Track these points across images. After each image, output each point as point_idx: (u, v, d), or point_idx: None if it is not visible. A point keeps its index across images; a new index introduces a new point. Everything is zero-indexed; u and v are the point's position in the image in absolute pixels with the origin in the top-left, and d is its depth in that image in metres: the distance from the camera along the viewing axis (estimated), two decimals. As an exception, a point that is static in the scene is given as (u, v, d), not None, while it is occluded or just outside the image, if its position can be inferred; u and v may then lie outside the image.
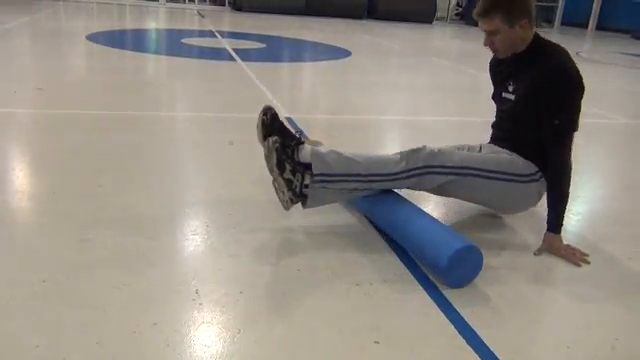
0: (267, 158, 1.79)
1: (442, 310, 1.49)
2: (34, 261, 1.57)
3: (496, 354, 1.32)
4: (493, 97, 2.16)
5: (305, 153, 1.83)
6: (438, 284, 1.61)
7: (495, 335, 1.40)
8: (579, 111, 1.85)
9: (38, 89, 3.69)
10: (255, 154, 2.69)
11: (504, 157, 1.96)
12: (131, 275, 1.53)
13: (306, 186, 1.80)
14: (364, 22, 12.33)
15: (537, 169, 1.94)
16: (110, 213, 1.91)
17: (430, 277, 1.64)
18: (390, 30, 10.95)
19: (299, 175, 1.79)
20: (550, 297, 1.62)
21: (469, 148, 2.13)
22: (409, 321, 1.43)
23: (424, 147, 1.88)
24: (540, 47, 1.91)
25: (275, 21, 10.40)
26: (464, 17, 14.93)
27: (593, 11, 15.80)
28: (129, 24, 8.81)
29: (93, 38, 6.29)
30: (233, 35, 8.08)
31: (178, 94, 4.03)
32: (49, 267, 1.54)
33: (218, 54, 6.06)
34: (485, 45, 1.94)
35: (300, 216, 2.00)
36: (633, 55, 9.40)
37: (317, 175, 1.79)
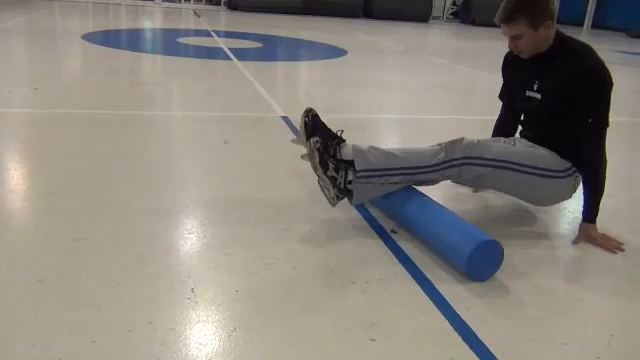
0: (310, 158, 1.88)
1: (438, 307, 1.49)
2: (29, 260, 1.57)
3: (492, 351, 1.32)
4: (502, 96, 2.21)
5: (347, 150, 1.89)
6: (435, 282, 1.61)
7: (492, 332, 1.39)
8: (609, 107, 1.88)
9: (33, 89, 3.68)
10: (251, 153, 2.69)
11: (540, 152, 1.99)
12: (126, 274, 1.52)
13: (349, 182, 1.86)
14: (360, 21, 12.33)
15: (571, 164, 1.98)
16: (105, 212, 1.90)
17: (427, 275, 1.64)
18: (386, 29, 10.95)
19: (342, 172, 1.86)
20: (547, 295, 1.62)
21: (504, 142, 2.14)
22: (405, 318, 1.43)
23: (463, 139, 1.92)
24: (564, 44, 1.93)
25: (271, 20, 10.39)
26: (460, 16, 14.94)
27: (588, 10, 15.85)
28: (125, 24, 8.79)
29: (89, 38, 6.28)
30: (229, 34, 8.07)
31: (174, 94, 4.02)
32: (44, 266, 1.53)
33: (214, 53, 6.05)
34: (510, 48, 1.97)
35: (296, 215, 2.00)
36: (629, 53, 9.42)
37: (360, 171, 1.85)
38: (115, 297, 1.41)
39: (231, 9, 12.24)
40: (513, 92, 2.15)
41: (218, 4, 13.21)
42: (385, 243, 1.83)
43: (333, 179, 1.85)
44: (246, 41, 7.17)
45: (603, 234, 1.95)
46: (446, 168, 1.90)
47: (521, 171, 1.94)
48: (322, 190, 1.92)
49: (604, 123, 1.89)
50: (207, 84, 4.37)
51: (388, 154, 1.90)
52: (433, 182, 1.97)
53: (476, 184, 2.03)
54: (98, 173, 2.25)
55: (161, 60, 5.54)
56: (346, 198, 1.91)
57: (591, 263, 1.85)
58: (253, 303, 1.45)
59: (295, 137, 2.94)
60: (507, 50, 2.05)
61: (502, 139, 2.15)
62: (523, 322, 1.47)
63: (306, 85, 5.00)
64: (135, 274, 1.53)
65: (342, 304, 1.47)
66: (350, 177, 1.86)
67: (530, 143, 2.06)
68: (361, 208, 2.08)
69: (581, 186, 1.99)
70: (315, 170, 1.88)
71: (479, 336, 1.37)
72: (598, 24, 15.65)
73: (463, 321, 1.43)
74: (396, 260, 1.73)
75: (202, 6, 13.09)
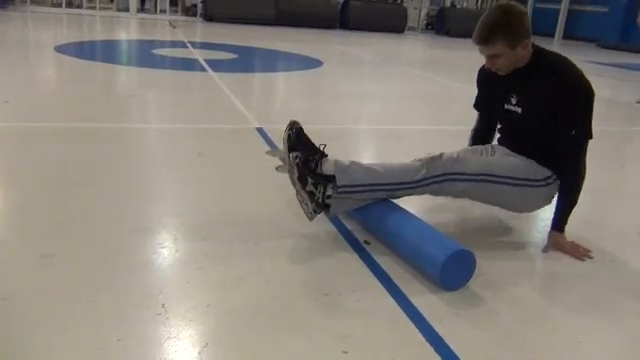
0: (290, 173, 1.88)
1: (411, 319, 1.49)
2: (-5, 278, 1.53)
3: (463, 361, 1.33)
4: (477, 106, 2.24)
5: (329, 165, 1.90)
6: (408, 293, 1.62)
7: (463, 342, 1.40)
8: (591, 119, 1.92)
9: (4, 102, 3.62)
10: (225, 165, 2.68)
11: (519, 162, 2.02)
12: (95, 290, 1.50)
13: (328, 197, 1.87)
14: (336, 32, 12.41)
15: (551, 172, 2.01)
16: (76, 227, 1.87)
17: (400, 286, 1.65)
18: (362, 40, 11.04)
19: (321, 187, 1.86)
20: (517, 303, 1.64)
21: (482, 151, 2.17)
22: (378, 330, 1.43)
23: (442, 154, 1.94)
24: (542, 58, 1.95)
25: (247, 31, 10.40)
26: (435, 27, 15.14)
27: (559, 21, 16.20)
28: (99, 35, 8.71)
29: (62, 50, 6.20)
30: (205, 46, 8.06)
31: (148, 106, 3.99)
32: (12, 284, 1.50)
33: (189, 65, 6.02)
34: (487, 67, 1.99)
35: (269, 228, 2.00)
36: (599, 63, 9.64)
37: (342, 187, 1.86)
38: (83, 314, 1.39)
39: (207, 20, 12.21)
40: (489, 104, 2.18)
41: (194, 15, 13.18)
42: (359, 255, 1.84)
43: (311, 194, 1.85)
44: (222, 52, 7.16)
45: (572, 242, 1.98)
46: (427, 185, 1.92)
47: (501, 182, 1.96)
48: (300, 204, 1.92)
49: (587, 134, 1.92)
50: (182, 96, 4.35)
51: (370, 170, 1.91)
52: (413, 195, 1.98)
53: (457, 197, 2.05)
54: (69, 187, 2.22)
55: (135, 72, 5.50)
56: (323, 212, 1.91)
57: (560, 271, 1.88)
58: (225, 318, 1.44)
59: (270, 149, 2.94)
60: (483, 62, 2.08)
61: (480, 148, 2.19)
62: (494, 331, 1.48)
63: (282, 96, 5.01)
64: (104, 290, 1.51)
65: (315, 317, 1.47)
66: (329, 192, 1.86)
67: (508, 151, 2.09)
68: (335, 220, 2.08)
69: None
70: (294, 185, 1.88)
71: (451, 347, 1.38)
72: (569, 35, 16.01)
73: (435, 332, 1.44)
74: (369, 272, 1.73)
75: (178, 17, 13.05)
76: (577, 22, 15.94)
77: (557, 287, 1.79)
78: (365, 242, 1.91)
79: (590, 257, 1.94)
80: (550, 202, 2.08)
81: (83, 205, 2.06)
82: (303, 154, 1.87)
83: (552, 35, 15.96)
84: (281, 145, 2.88)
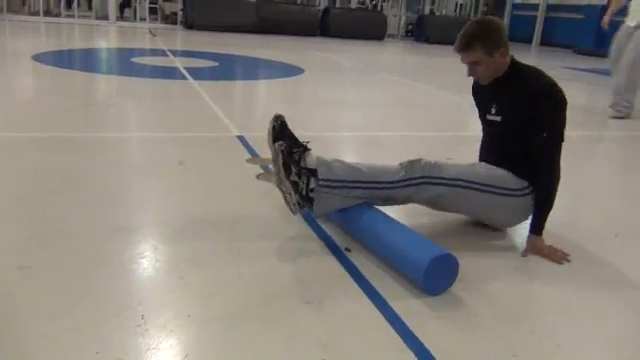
0: (274, 161, 1.91)
1: (392, 325, 1.50)
2: (-30, 292, 1.50)
3: (444, 366, 1.34)
4: (480, 118, 2.27)
5: (311, 159, 1.93)
6: (389, 298, 1.62)
7: (444, 346, 1.41)
8: (565, 124, 1.99)
9: (-21, 112, 3.57)
10: (206, 173, 2.67)
11: (497, 172, 2.06)
12: (73, 302, 1.48)
13: (311, 190, 1.89)
14: (317, 39, 12.47)
15: (528, 183, 2.05)
16: (54, 238, 1.85)
17: (381, 293, 1.65)
18: (343, 47, 11.10)
19: (305, 178, 1.90)
20: (497, 306, 1.65)
21: (462, 165, 2.19)
22: (359, 337, 1.44)
23: (421, 159, 1.99)
24: (517, 69, 2.05)
25: (228, 39, 10.39)
26: (414, 34, 15.28)
27: (537, 28, 16.48)
28: (78, 44, 8.63)
29: (40, 58, 6.13)
30: (185, 53, 8.03)
31: (128, 114, 3.96)
32: (-14, 297, 1.47)
33: (169, 73, 6.00)
34: (469, 75, 2.08)
35: (251, 235, 1.99)
36: (575, 69, 9.81)
37: (322, 180, 1.90)
38: (61, 326, 1.37)
39: (187, 28, 12.18)
40: (479, 115, 2.25)
41: (174, 23, 13.14)
42: (340, 261, 1.84)
43: (295, 184, 1.89)
44: (202, 60, 7.14)
45: (550, 246, 2.01)
46: (405, 186, 1.95)
47: (478, 189, 1.99)
48: (284, 196, 1.94)
49: (558, 138, 1.98)
50: (162, 104, 4.33)
51: (351, 167, 1.96)
52: (395, 201, 2.01)
53: (435, 204, 2.06)
54: (47, 197, 2.19)
55: (115, 80, 5.46)
56: (307, 206, 1.93)
57: (539, 273, 1.90)
58: (206, 328, 1.43)
59: (250, 157, 2.94)
60: (463, 68, 2.12)
61: (460, 163, 2.21)
62: (474, 334, 1.49)
63: (263, 104, 5.01)
64: (83, 302, 1.49)
65: (296, 325, 1.47)
66: (312, 185, 1.90)
67: (489, 166, 2.11)
68: (316, 226, 2.09)
69: None
70: (277, 174, 1.90)
71: (431, 351, 1.39)
72: (546, 41, 16.28)
73: (416, 337, 1.44)
74: (351, 278, 1.73)
75: (158, 25, 12.99)
76: (554, 29, 16.22)
77: (536, 290, 1.81)
78: (346, 249, 1.92)
79: (568, 260, 1.97)
80: (527, 217, 2.09)
81: (61, 215, 2.04)
82: (287, 144, 1.91)
83: (530, 42, 16.23)
84: (262, 153, 2.89)
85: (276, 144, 1.90)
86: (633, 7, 4.90)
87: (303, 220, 2.13)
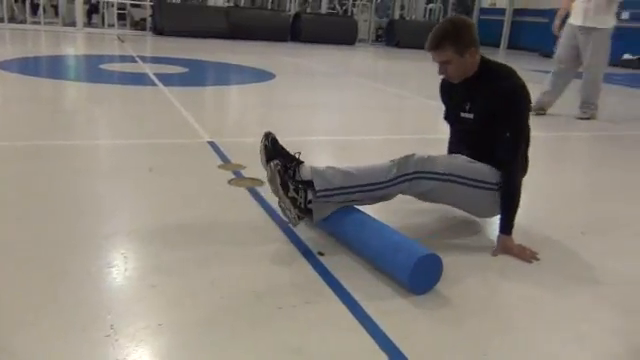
0: (271, 181, 1.95)
1: (365, 328, 1.50)
2: None
3: (417, 367, 1.35)
4: (446, 117, 2.31)
5: (305, 171, 1.98)
6: (361, 301, 1.62)
7: (416, 347, 1.42)
8: (528, 124, 2.06)
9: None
10: (176, 180, 2.64)
11: (480, 166, 2.10)
12: (39, 313, 1.44)
13: (309, 202, 1.94)
14: (288, 45, 12.47)
15: None
16: (19, 248, 1.80)
17: (354, 296, 1.65)
18: (314, 52, 11.12)
19: (302, 192, 1.94)
20: (469, 306, 1.67)
21: (449, 156, 2.24)
22: (332, 341, 1.43)
23: (414, 154, 2.03)
24: (489, 68, 2.10)
25: (198, 45, 10.32)
26: (385, 39, 15.41)
27: (504, 32, 16.80)
28: (44, 50, 8.46)
29: (4, 66, 5.98)
30: (154, 60, 7.94)
31: (96, 122, 3.89)
32: (-52, 312, 1.43)
33: (139, 79, 5.92)
34: (440, 74, 2.12)
35: (222, 242, 1.97)
36: (541, 71, 10.01)
37: (320, 191, 1.93)
38: (27, 338, 1.33)
39: (157, 34, 12.05)
40: (449, 114, 2.29)
41: (143, 29, 12.98)
42: (312, 266, 1.84)
43: (294, 200, 1.92)
44: (172, 66, 7.07)
45: (519, 245, 2.04)
46: (399, 183, 2.00)
47: (465, 184, 2.05)
48: (283, 212, 1.98)
49: (521, 138, 2.05)
50: (131, 111, 4.27)
51: (345, 173, 1.98)
52: (389, 197, 2.06)
53: (425, 197, 2.12)
54: (10, 208, 2.14)
55: (83, 87, 5.36)
56: (307, 217, 1.97)
57: (510, 273, 1.93)
58: (178, 336, 1.41)
59: (222, 163, 2.91)
60: (435, 73, 2.17)
61: (446, 155, 2.28)
62: (446, 335, 1.51)
63: (234, 109, 4.98)
64: (48, 313, 1.45)
65: (269, 331, 1.46)
66: (310, 197, 1.94)
67: (470, 159, 2.15)
68: (289, 231, 2.08)
69: None
70: (276, 193, 1.93)
71: (404, 353, 1.40)
72: (513, 45, 16.60)
73: (389, 339, 1.45)
74: (323, 282, 1.73)
75: (126, 31, 12.82)
76: (520, 33, 16.56)
77: (505, 288, 1.83)
78: (319, 253, 1.92)
79: (537, 259, 2.00)
80: None
81: (27, 226, 1.99)
82: (281, 162, 1.95)
83: (498, 45, 16.53)
84: (234, 158, 2.88)
85: (271, 164, 1.94)
86: (576, 7, 5.01)
87: (275, 225, 2.13)
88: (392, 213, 2.25)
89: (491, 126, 2.07)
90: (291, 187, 1.92)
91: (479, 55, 2.07)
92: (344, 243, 1.98)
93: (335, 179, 1.95)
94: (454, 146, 2.33)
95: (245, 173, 2.73)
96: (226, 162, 2.92)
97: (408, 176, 1.99)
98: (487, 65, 2.10)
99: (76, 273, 1.68)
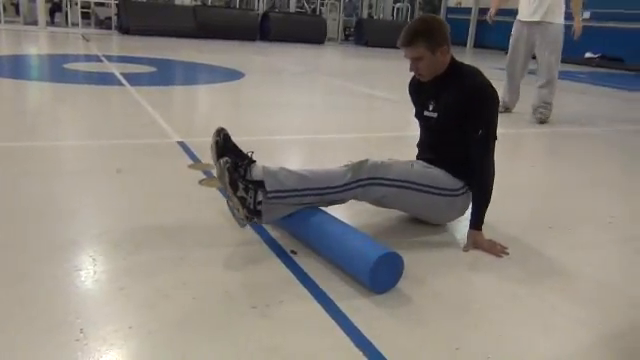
0: (220, 178, 1.90)
1: (340, 325, 1.50)
2: None
3: (392, 363, 1.35)
4: (416, 116, 2.30)
5: (257, 171, 1.92)
6: (336, 299, 1.62)
7: (391, 343, 1.43)
8: (497, 122, 2.08)
9: None
10: (145, 181, 2.59)
11: (436, 173, 2.12)
12: (3, 319, 1.40)
13: (259, 202, 1.88)
14: (257, 44, 12.41)
15: (463, 183, 2.13)
16: (-19, 254, 1.74)
17: (328, 294, 1.65)
18: (283, 51, 11.09)
19: (252, 192, 1.88)
20: (440, 301, 1.69)
21: (404, 163, 2.22)
22: (307, 340, 1.43)
23: (367, 160, 2.02)
24: (456, 68, 2.12)
25: (165, 44, 10.18)
26: (353, 37, 15.47)
27: (470, 31, 17.06)
28: (4, 50, 8.22)
29: (-38, 65, 5.80)
30: (121, 59, 7.80)
31: (60, 122, 3.80)
32: None
33: (105, 79, 5.80)
34: (411, 70, 2.14)
35: (194, 242, 1.95)
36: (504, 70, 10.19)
37: (271, 192, 1.89)
38: (-8, 347, 1.29)
39: (122, 33, 11.84)
40: (416, 112, 2.30)
41: (109, 28, 12.75)
42: (286, 264, 1.83)
43: (242, 199, 1.87)
44: (139, 65, 6.96)
45: (489, 240, 2.07)
46: (353, 188, 1.98)
47: (420, 190, 2.06)
48: (231, 211, 1.93)
49: (492, 135, 2.07)
50: (97, 111, 4.18)
51: (298, 175, 1.95)
52: (343, 201, 2.04)
53: (380, 203, 2.12)
54: (-27, 212, 2.07)
55: (46, 87, 5.23)
56: (255, 218, 1.92)
57: (480, 267, 1.96)
58: (149, 339, 1.38)
59: (192, 162, 2.88)
60: (404, 71, 2.18)
61: (402, 161, 2.25)
62: (420, 330, 1.52)
63: (203, 109, 4.93)
64: (14, 319, 1.41)
65: (243, 331, 1.44)
66: (260, 198, 1.89)
67: (426, 164, 2.17)
68: (260, 229, 2.07)
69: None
70: (225, 190, 1.89)
71: (379, 349, 1.40)
72: (480, 44, 16.87)
73: (364, 336, 1.45)
74: (297, 281, 1.73)
75: (91, 30, 12.57)
76: (486, 32, 16.82)
77: (477, 283, 1.86)
78: (292, 252, 1.91)
79: (507, 253, 2.04)
80: (464, 213, 2.20)
81: (-11, 230, 1.93)
82: (232, 159, 1.89)
83: (465, 44, 16.78)
84: (204, 158, 2.84)
85: (221, 161, 1.88)
86: (522, 2, 5.01)
87: (248, 225, 2.11)
88: (356, 213, 2.26)
89: (455, 126, 2.09)
90: (240, 186, 1.87)
91: (450, 55, 2.09)
92: (304, 242, 1.96)
93: (288, 181, 1.92)
94: (419, 145, 2.34)
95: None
96: (196, 162, 2.89)
97: (361, 182, 1.98)
98: (456, 65, 2.12)
99: (43, 277, 1.63)
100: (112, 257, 1.80)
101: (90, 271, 1.69)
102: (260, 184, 1.90)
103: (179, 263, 1.79)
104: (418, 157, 2.30)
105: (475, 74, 2.09)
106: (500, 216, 2.35)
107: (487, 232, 2.09)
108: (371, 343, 1.42)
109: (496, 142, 2.10)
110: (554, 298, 1.77)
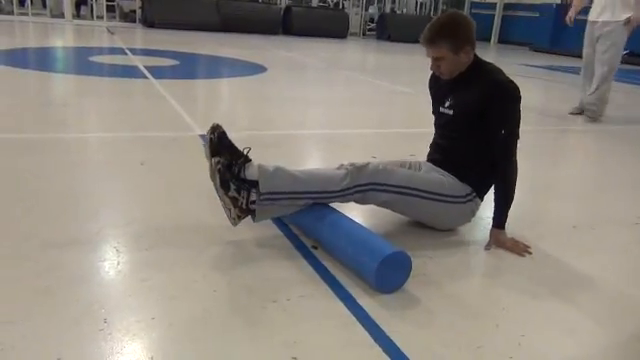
0: (211, 178, 1.85)
1: (360, 321, 1.50)
2: None
3: (412, 360, 1.35)
4: (433, 112, 2.26)
5: (252, 170, 1.87)
6: (356, 296, 1.62)
7: (410, 341, 1.42)
8: (520, 120, 2.01)
9: None
10: (168, 174, 2.62)
11: (442, 179, 2.07)
12: (30, 309, 1.43)
13: (252, 202, 1.85)
14: (279, 38, 12.42)
15: (472, 189, 2.09)
16: (9, 244, 1.78)
17: (348, 290, 1.66)
18: (306, 45, 11.08)
19: (244, 192, 1.85)
20: (459, 300, 1.68)
21: (410, 165, 2.22)
22: (327, 335, 1.43)
23: (368, 164, 1.95)
24: (477, 66, 2.05)
25: (189, 37, 10.25)
26: (376, 32, 15.39)
27: (494, 26, 16.83)
28: (32, 42, 8.37)
29: (-9, 57, 5.92)
30: (145, 52, 7.87)
31: (86, 114, 3.86)
32: (-63, 306, 1.41)
33: (129, 72, 5.87)
34: (432, 69, 2.08)
35: (215, 235, 1.96)
36: (531, 66, 10.06)
37: (264, 194, 1.85)
38: (18, 334, 1.32)
39: (147, 26, 11.95)
40: (433, 107, 2.25)
41: (133, 21, 12.88)
42: (306, 259, 1.83)
43: (234, 199, 1.84)
44: (163, 59, 7.02)
45: (512, 238, 2.05)
46: (352, 194, 1.93)
47: (423, 197, 2.01)
48: (224, 209, 1.89)
49: (515, 133, 2.01)
50: (122, 104, 4.23)
51: (294, 178, 1.89)
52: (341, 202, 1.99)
53: (382, 207, 2.07)
54: (2, 201, 2.11)
55: (72, 80, 5.31)
56: (249, 217, 1.90)
57: (501, 267, 1.94)
58: (171, 330, 1.40)
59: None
60: (426, 67, 2.14)
61: (408, 163, 2.24)
62: (441, 329, 1.51)
63: (225, 102, 4.96)
64: (41, 308, 1.44)
65: (263, 324, 1.45)
66: (253, 197, 1.85)
67: (434, 167, 2.14)
68: (282, 225, 2.07)
69: (480, 209, 2.12)
70: (216, 191, 1.86)
71: (400, 347, 1.40)
72: (504, 39, 16.65)
73: (384, 333, 1.45)
74: (317, 276, 1.73)
75: (116, 23, 12.71)
76: (511, 27, 16.62)
77: (498, 282, 1.84)
78: (313, 247, 1.91)
79: (529, 252, 2.01)
80: (470, 220, 2.16)
81: (16, 220, 1.97)
82: (226, 159, 1.85)
83: (488, 40, 16.57)
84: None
85: (213, 160, 1.83)
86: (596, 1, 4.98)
87: (269, 219, 2.12)
88: (368, 209, 2.25)
89: (470, 124, 2.04)
90: (232, 187, 1.83)
91: (473, 54, 2.03)
92: (315, 240, 1.95)
93: (283, 183, 1.87)
94: (431, 146, 2.27)
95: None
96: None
97: (362, 187, 1.92)
98: (478, 64, 2.06)
99: (68, 267, 1.66)
100: (135, 249, 1.82)
101: (114, 262, 1.72)
102: (254, 184, 1.85)
103: (200, 256, 1.81)
104: (428, 158, 2.26)
105: (496, 71, 2.03)
106: (524, 215, 2.33)
107: (509, 231, 2.06)
108: (391, 340, 1.42)
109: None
110: (576, 299, 1.75)
